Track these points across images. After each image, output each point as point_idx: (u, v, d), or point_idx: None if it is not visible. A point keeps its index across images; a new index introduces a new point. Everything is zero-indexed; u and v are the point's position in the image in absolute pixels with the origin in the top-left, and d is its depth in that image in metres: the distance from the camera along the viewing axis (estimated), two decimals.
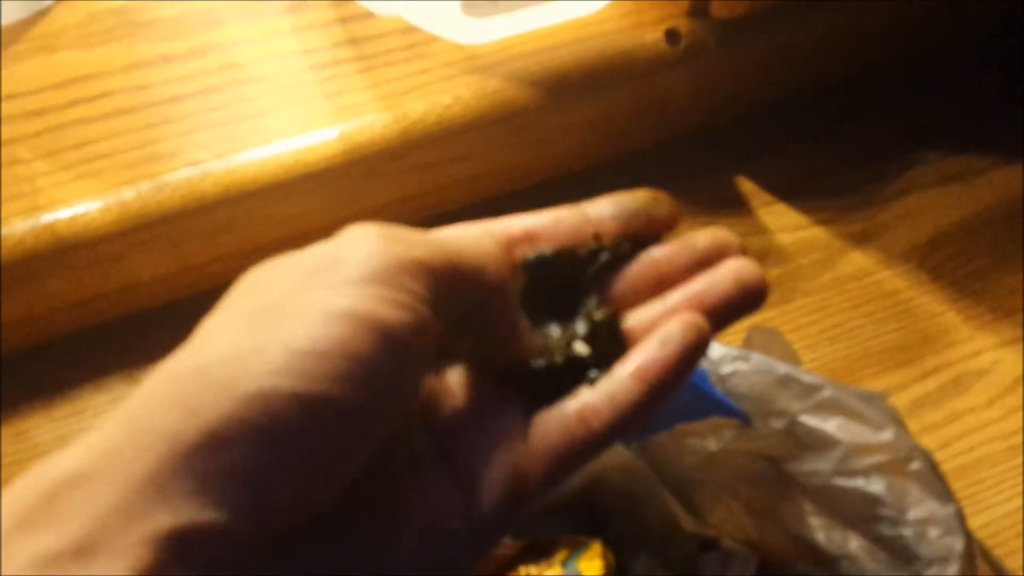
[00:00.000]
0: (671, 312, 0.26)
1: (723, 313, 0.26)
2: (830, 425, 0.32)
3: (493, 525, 0.24)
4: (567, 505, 0.37)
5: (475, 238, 0.26)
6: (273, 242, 0.50)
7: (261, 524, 0.21)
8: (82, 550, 0.20)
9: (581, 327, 0.26)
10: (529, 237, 0.28)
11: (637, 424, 0.26)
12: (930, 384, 0.50)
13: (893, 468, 0.31)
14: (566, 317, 0.27)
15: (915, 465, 0.31)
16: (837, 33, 0.56)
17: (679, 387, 0.27)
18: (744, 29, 0.54)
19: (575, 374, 0.26)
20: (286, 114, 0.50)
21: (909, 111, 0.59)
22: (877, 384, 0.50)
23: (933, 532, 0.30)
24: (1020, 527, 0.47)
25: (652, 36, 0.53)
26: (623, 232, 0.28)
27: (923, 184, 0.56)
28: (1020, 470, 0.48)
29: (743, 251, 0.28)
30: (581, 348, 0.26)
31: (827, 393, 0.32)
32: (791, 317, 0.52)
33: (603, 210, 0.28)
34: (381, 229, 0.23)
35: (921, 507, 0.31)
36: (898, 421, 0.32)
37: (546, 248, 0.27)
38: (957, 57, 0.61)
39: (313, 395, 0.21)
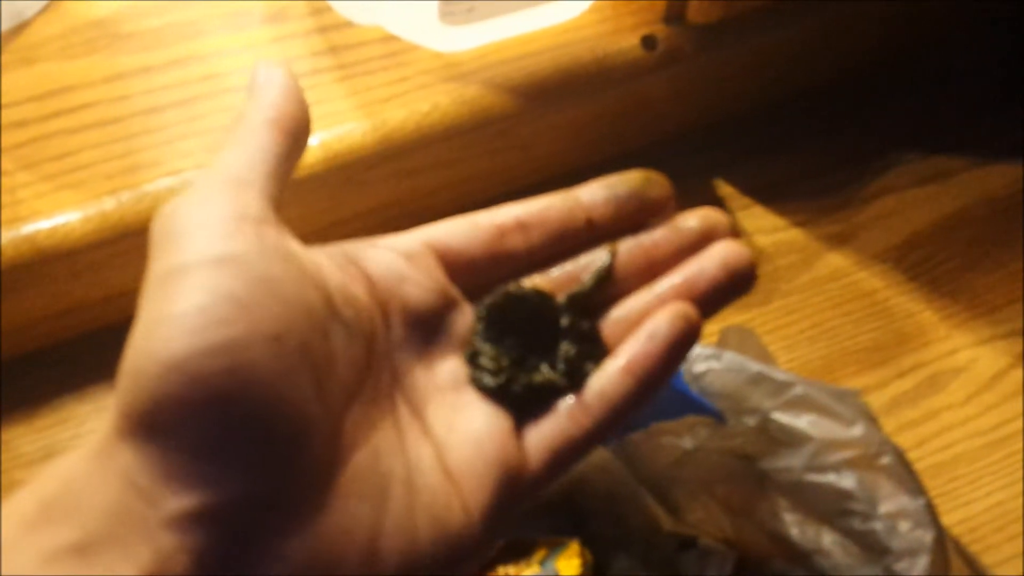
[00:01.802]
0: (660, 302, 0.26)
1: (712, 299, 0.27)
2: (802, 421, 0.32)
3: (488, 522, 0.24)
4: (547, 505, 0.38)
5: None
6: None
7: (253, 492, 0.21)
8: (87, 546, 0.20)
9: (559, 363, 0.26)
10: (520, 226, 0.28)
11: (627, 418, 0.26)
12: (907, 383, 0.51)
13: (864, 463, 0.32)
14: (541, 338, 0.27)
15: (886, 460, 0.32)
16: (812, 39, 0.57)
17: (669, 379, 0.27)
18: (720, 35, 0.54)
19: (556, 393, 0.26)
20: None
21: (884, 115, 0.60)
22: (855, 383, 0.50)
23: (904, 525, 0.31)
24: (998, 522, 0.47)
25: (629, 42, 0.53)
26: (616, 215, 0.28)
27: (899, 186, 0.57)
28: (997, 466, 0.49)
29: (734, 231, 0.28)
30: (559, 379, 0.26)
31: (799, 390, 0.33)
32: (770, 318, 0.53)
33: (595, 195, 0.28)
34: None
35: (892, 501, 0.31)
36: (869, 417, 0.33)
37: (511, 288, 0.27)
38: (932, 61, 0.61)
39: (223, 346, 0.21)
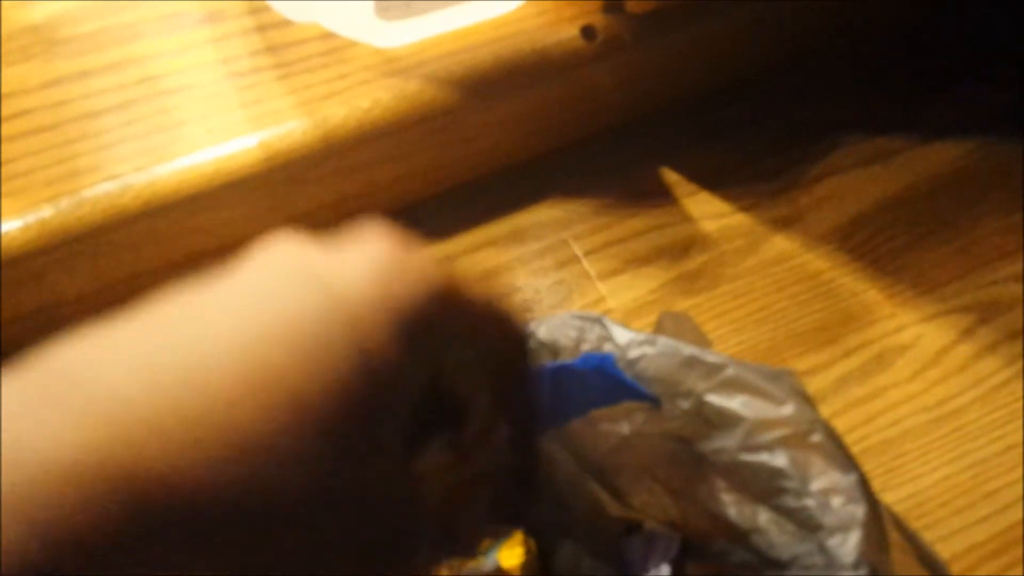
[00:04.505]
0: None
1: None
2: (734, 402, 0.33)
3: None
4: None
5: None
6: (197, 253, 0.51)
7: None
8: None
9: None
10: None
11: None
12: (854, 361, 0.51)
13: (795, 441, 0.32)
14: None
15: (816, 437, 0.32)
16: (752, 24, 0.57)
17: None
18: (659, 23, 0.54)
19: None
20: (206, 124, 0.50)
21: (826, 98, 0.60)
22: (802, 364, 0.51)
23: (836, 501, 0.31)
24: (944, 496, 0.48)
25: (568, 33, 0.53)
26: None
27: (842, 167, 0.58)
28: (943, 441, 0.49)
29: None
30: None
31: (731, 372, 0.33)
32: (717, 302, 0.53)
33: None
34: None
35: (824, 478, 0.31)
36: (801, 396, 0.33)
37: None
38: (871, 44, 0.62)
39: None
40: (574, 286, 0.54)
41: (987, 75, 0.62)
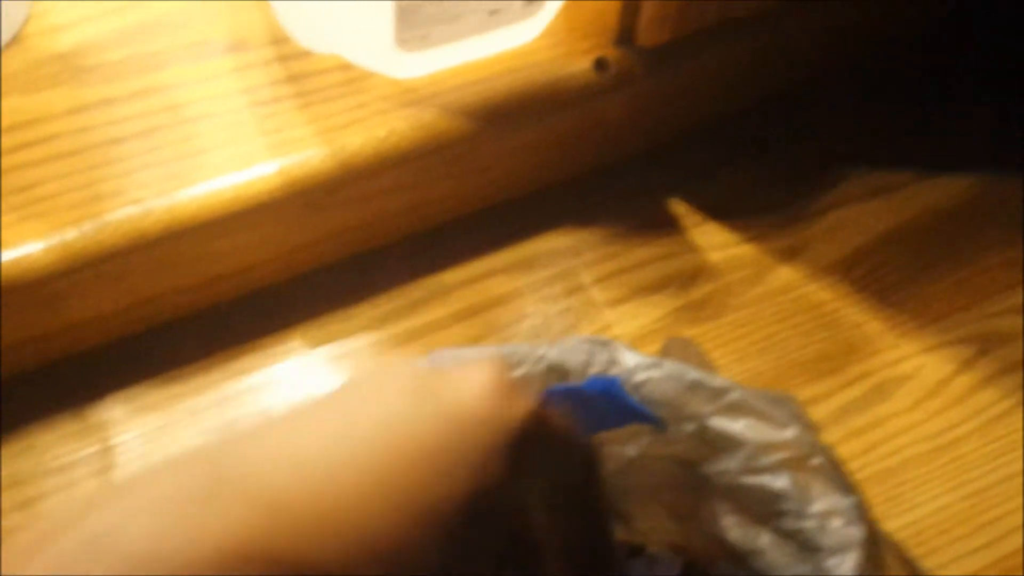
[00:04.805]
0: None
1: None
2: (737, 426, 0.34)
3: None
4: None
5: None
6: (215, 277, 0.52)
7: None
8: None
9: None
10: None
11: None
12: (855, 391, 0.52)
13: (796, 464, 0.33)
14: None
15: (816, 461, 0.33)
16: (759, 56, 0.59)
17: None
18: (669, 56, 0.56)
19: None
20: (227, 151, 0.52)
21: (831, 131, 0.61)
22: (804, 393, 0.52)
23: (835, 523, 0.32)
24: (944, 525, 0.49)
25: (582, 65, 0.55)
26: None
27: (847, 200, 0.59)
28: (942, 470, 0.50)
29: None
30: None
31: (734, 396, 0.34)
32: (723, 331, 0.54)
33: None
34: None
35: (823, 500, 0.32)
36: (802, 420, 0.34)
37: None
38: (876, 77, 0.63)
39: None
40: (582, 313, 0.55)
41: (990, 109, 0.63)
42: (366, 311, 0.55)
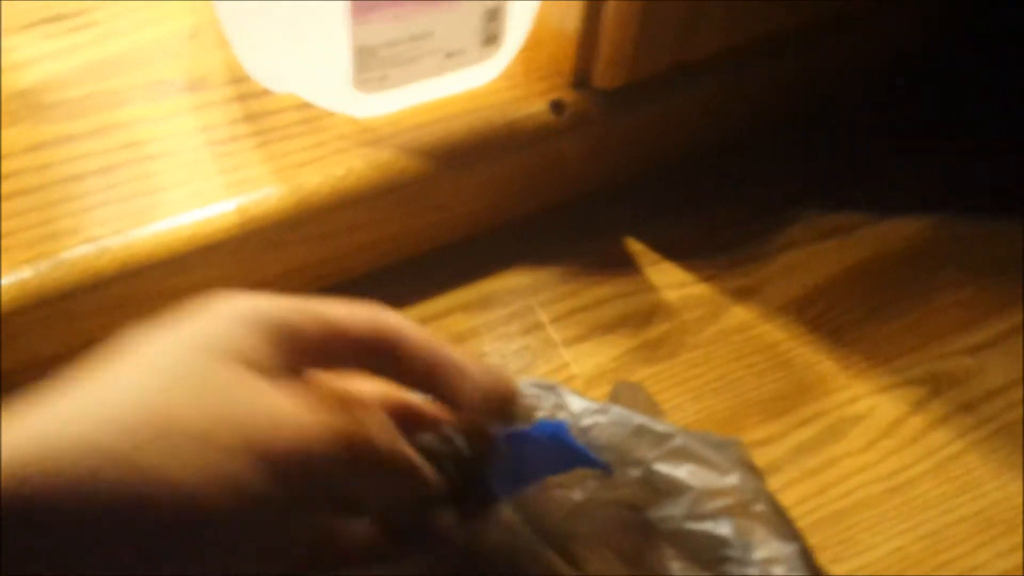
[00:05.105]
0: None
1: None
2: (681, 471, 0.34)
3: None
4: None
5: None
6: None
7: None
8: None
9: None
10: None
11: None
12: (809, 431, 0.53)
13: (739, 510, 0.33)
14: None
15: (759, 507, 0.33)
16: (714, 101, 0.60)
17: None
18: (625, 99, 0.57)
19: None
20: (185, 189, 0.52)
21: (785, 173, 0.62)
22: (759, 432, 0.52)
23: (777, 570, 0.32)
24: (897, 567, 0.49)
25: (538, 107, 0.56)
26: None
27: (801, 241, 0.60)
28: (896, 511, 0.51)
29: None
30: None
31: (678, 441, 0.34)
32: (678, 370, 0.54)
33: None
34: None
35: (765, 547, 0.33)
36: (746, 465, 0.34)
37: None
38: (829, 121, 0.64)
39: None
40: (539, 352, 0.55)
41: (941, 152, 0.64)
42: None
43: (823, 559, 0.49)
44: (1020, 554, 0.49)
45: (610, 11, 0.52)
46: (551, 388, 0.36)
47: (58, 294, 0.48)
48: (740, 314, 0.56)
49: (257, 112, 0.55)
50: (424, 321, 0.56)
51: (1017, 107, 0.66)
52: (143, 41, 0.57)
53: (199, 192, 0.52)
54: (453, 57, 0.52)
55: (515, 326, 0.56)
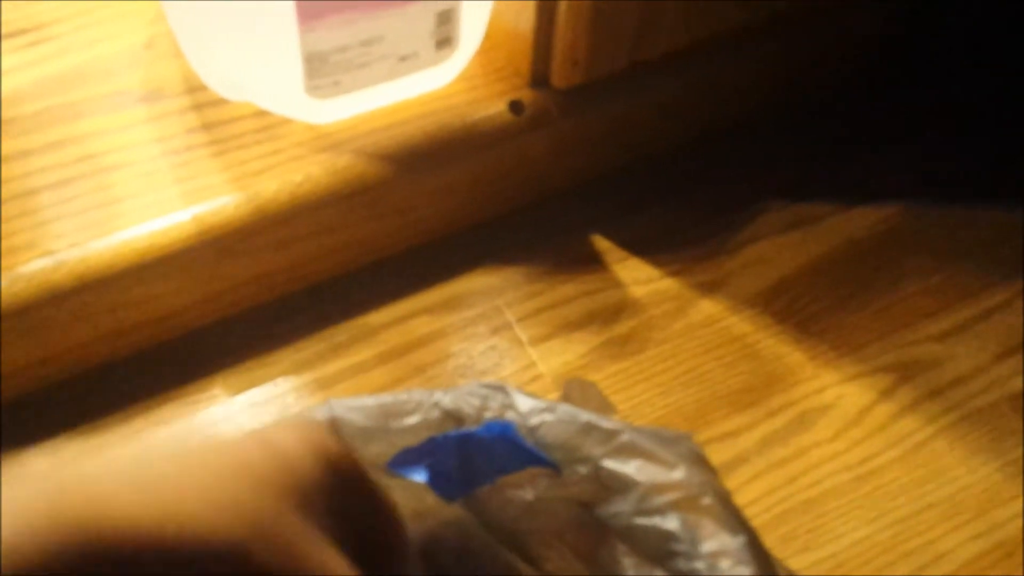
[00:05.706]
0: None
1: None
2: (629, 467, 0.34)
3: None
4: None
5: None
6: (132, 326, 0.52)
7: None
8: None
9: None
10: None
11: None
12: (777, 422, 0.52)
13: (686, 505, 0.33)
14: None
15: (707, 500, 0.33)
16: (675, 98, 0.60)
17: None
18: (584, 97, 0.56)
19: None
20: (141, 200, 0.52)
21: (749, 166, 0.62)
22: (727, 425, 0.52)
23: (724, 563, 0.32)
24: (865, 556, 0.49)
25: (497, 108, 0.55)
26: None
27: (766, 233, 0.59)
28: (864, 500, 0.50)
29: None
30: None
31: (625, 437, 0.34)
32: (646, 365, 0.54)
33: None
34: None
35: (713, 540, 0.32)
36: (693, 459, 0.34)
37: None
38: (790, 116, 0.64)
39: None
40: (506, 352, 0.55)
41: (905, 141, 0.64)
42: (288, 355, 0.54)
43: (793, 548, 0.49)
44: (988, 539, 0.49)
45: (562, 11, 0.52)
46: (500, 388, 0.36)
47: (16, 308, 0.48)
48: (707, 308, 0.56)
49: (213, 121, 0.54)
50: (390, 325, 0.56)
51: (980, 96, 0.66)
52: (100, 54, 0.57)
53: (156, 202, 0.52)
54: (407, 61, 0.52)
55: (482, 327, 0.56)
